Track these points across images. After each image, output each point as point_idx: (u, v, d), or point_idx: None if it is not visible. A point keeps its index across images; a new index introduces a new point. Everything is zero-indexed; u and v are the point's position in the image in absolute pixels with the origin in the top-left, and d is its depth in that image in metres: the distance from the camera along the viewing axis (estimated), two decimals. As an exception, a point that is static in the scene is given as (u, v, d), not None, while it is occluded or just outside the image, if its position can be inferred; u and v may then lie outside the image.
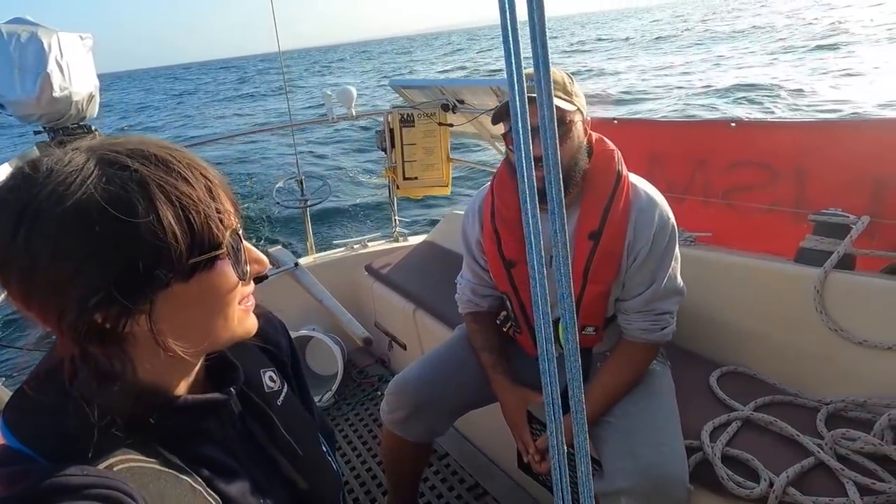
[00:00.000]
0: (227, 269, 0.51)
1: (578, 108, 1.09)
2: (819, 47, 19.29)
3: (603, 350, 1.26)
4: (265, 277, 0.58)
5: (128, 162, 0.46)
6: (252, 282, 0.56)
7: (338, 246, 2.76)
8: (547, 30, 0.30)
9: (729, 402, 1.25)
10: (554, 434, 0.38)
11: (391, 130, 2.54)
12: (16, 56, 1.53)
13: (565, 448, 0.39)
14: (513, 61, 0.31)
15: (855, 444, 1.06)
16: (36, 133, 1.71)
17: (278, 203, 2.71)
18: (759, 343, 1.39)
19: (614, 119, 2.15)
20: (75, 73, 1.62)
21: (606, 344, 1.25)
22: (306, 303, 2.39)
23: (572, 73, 1.14)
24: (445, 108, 2.49)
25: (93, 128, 1.79)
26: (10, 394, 1.12)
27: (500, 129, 1.20)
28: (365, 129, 10.16)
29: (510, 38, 0.30)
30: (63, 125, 1.69)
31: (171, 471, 0.51)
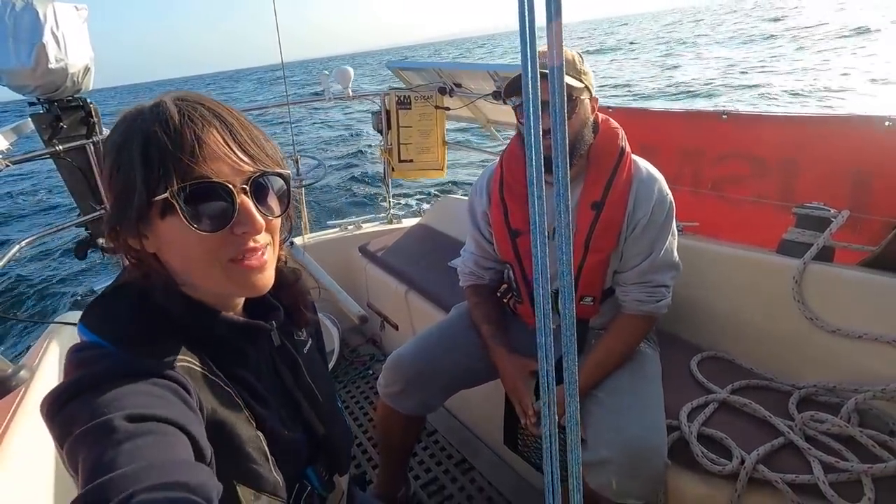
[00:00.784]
0: (180, 222, 0.53)
1: (587, 86, 1.15)
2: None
3: (599, 324, 1.31)
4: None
5: (143, 107, 0.56)
6: (252, 240, 0.57)
7: (332, 226, 2.78)
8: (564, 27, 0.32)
9: (707, 384, 1.31)
10: (547, 404, 0.40)
11: (387, 112, 2.54)
12: (10, 24, 1.50)
13: (556, 418, 0.42)
14: (527, 37, 0.32)
15: (822, 426, 1.12)
16: (30, 105, 1.70)
17: None
18: (740, 329, 1.45)
19: (609, 107, 2.17)
20: (71, 45, 1.61)
21: (603, 318, 1.30)
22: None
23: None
24: (443, 91, 2.49)
25: (88, 101, 1.77)
26: (12, 365, 1.16)
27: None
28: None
29: (525, 14, 0.32)
30: (58, 97, 1.68)
31: (217, 380, 0.58)
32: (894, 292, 1.22)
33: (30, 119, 1.71)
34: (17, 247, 1.54)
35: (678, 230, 1.64)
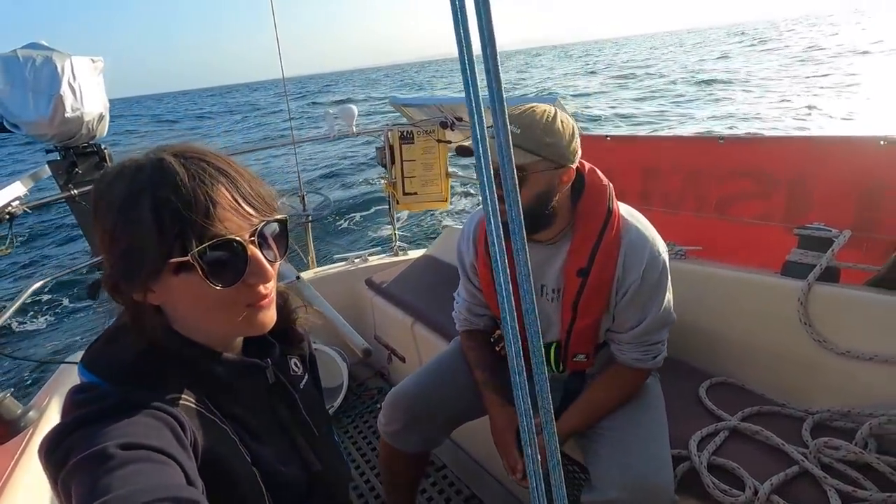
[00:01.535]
0: (198, 280, 0.55)
1: (544, 158, 1.04)
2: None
3: (595, 372, 1.27)
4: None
5: (146, 163, 0.56)
6: (263, 287, 0.60)
7: (339, 260, 2.81)
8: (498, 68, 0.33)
9: (717, 412, 1.28)
10: (530, 457, 0.39)
11: (391, 147, 2.60)
12: (30, 79, 1.60)
13: (541, 470, 0.40)
14: (473, 107, 0.34)
15: (838, 453, 1.08)
16: (48, 152, 1.78)
17: None
18: (748, 354, 1.42)
19: (607, 136, 2.21)
20: (87, 95, 1.69)
21: (598, 366, 1.26)
22: (307, 316, 2.42)
23: None
24: (444, 125, 2.55)
25: (102, 146, 1.85)
26: (21, 406, 1.19)
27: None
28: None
29: (470, 83, 0.34)
30: (74, 144, 1.76)
31: (213, 418, 0.59)
32: None
33: (47, 165, 1.79)
34: (32, 289, 1.59)
35: (680, 255, 1.65)
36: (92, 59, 1.78)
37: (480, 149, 0.36)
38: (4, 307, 1.44)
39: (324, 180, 10.83)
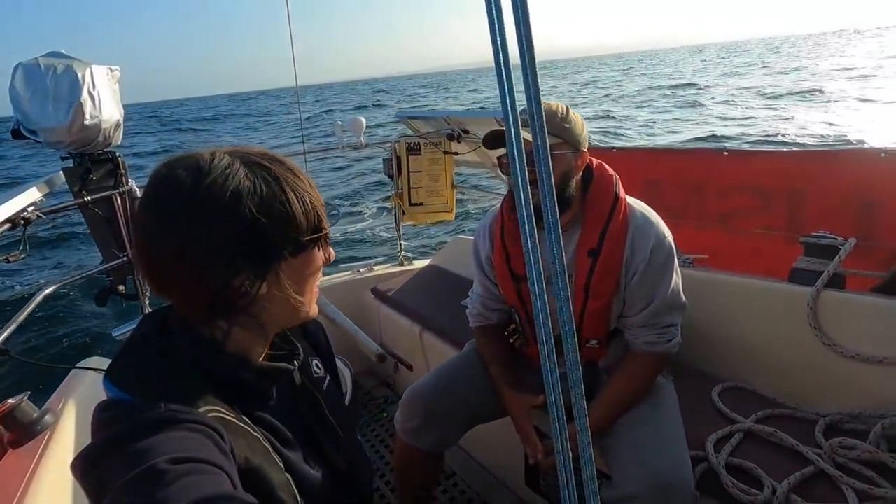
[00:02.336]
0: (318, 252, 0.63)
1: (565, 141, 1.15)
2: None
3: (608, 364, 1.31)
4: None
5: (262, 161, 0.58)
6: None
7: (344, 269, 2.82)
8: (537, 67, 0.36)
9: (731, 414, 1.30)
10: (559, 441, 0.41)
11: (398, 158, 2.64)
12: (51, 86, 1.62)
13: (570, 454, 0.42)
14: (507, 98, 0.38)
15: (852, 453, 1.11)
16: (63, 159, 1.79)
17: None
18: (758, 358, 1.45)
19: (613, 148, 2.26)
20: (105, 103, 1.71)
21: (611, 358, 1.30)
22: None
23: None
24: (451, 137, 2.60)
25: (116, 154, 1.87)
26: (37, 410, 1.19)
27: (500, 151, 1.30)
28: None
29: (504, 76, 0.37)
30: (89, 151, 1.77)
31: (245, 426, 0.59)
32: None
33: (61, 172, 1.80)
34: (42, 295, 1.58)
35: (688, 263, 1.68)
36: (110, 69, 1.80)
37: (513, 130, 0.39)
38: (18, 311, 1.44)
39: (332, 190, 10.90)
